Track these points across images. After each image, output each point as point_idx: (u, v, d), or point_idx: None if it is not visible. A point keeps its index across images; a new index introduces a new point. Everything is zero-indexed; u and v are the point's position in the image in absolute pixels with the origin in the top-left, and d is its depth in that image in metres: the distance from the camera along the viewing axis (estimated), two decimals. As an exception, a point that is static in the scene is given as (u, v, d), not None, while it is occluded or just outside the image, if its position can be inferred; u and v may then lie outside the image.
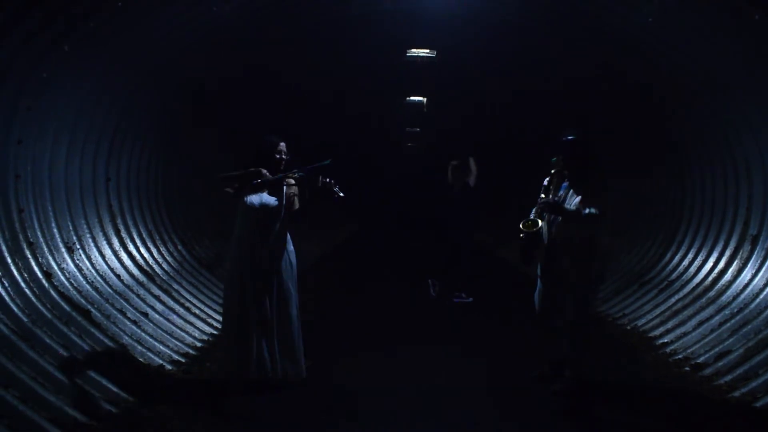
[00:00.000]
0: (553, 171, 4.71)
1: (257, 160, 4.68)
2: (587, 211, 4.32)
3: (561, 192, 4.64)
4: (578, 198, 4.46)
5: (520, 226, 4.61)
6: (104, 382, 4.32)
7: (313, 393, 4.73)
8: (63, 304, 4.71)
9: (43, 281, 4.69)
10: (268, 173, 4.58)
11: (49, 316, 4.47)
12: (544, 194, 4.68)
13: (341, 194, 4.66)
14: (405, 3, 7.39)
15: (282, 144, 4.74)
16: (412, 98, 13.99)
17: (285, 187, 4.69)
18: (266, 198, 4.63)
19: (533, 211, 4.68)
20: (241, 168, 4.66)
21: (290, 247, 4.80)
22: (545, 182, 4.77)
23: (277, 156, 4.70)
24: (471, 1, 7.14)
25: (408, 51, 9.75)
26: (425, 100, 14.15)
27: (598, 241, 4.51)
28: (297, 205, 4.77)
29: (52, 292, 4.70)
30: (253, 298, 4.58)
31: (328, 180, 4.65)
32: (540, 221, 4.60)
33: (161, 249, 6.85)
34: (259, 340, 4.59)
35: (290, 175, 4.66)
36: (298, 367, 4.77)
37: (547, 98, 10.18)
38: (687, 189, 7.17)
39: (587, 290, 4.54)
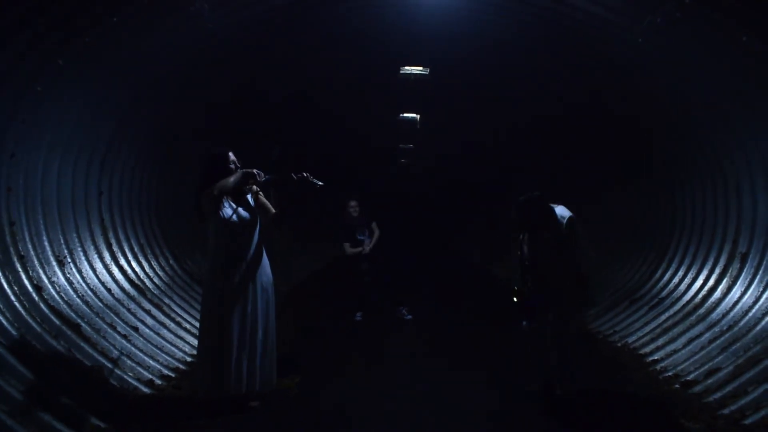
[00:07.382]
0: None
1: (213, 175, 4.56)
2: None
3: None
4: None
5: (513, 297, 4.94)
6: (93, 396, 4.29)
7: (306, 410, 4.71)
8: (53, 317, 4.69)
9: (33, 294, 4.67)
10: (260, 172, 4.60)
11: (39, 329, 4.44)
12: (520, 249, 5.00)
13: (320, 183, 4.74)
14: (400, 20, 7.46)
15: (231, 153, 4.68)
16: (405, 115, 14.07)
17: (250, 196, 4.70)
18: (240, 210, 4.60)
19: (518, 278, 4.98)
20: (198, 187, 4.57)
21: (266, 261, 4.73)
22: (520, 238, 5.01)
23: (232, 166, 4.63)
24: (464, 20, 7.21)
25: (402, 68, 9.82)
26: (418, 117, 14.23)
27: (581, 270, 4.74)
28: (272, 210, 4.78)
29: (42, 306, 4.68)
30: (232, 314, 4.46)
31: (302, 174, 4.69)
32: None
33: (152, 263, 6.82)
34: (239, 357, 4.46)
35: (273, 178, 4.70)
36: (272, 382, 4.71)
37: (539, 117, 10.25)
38: (678, 207, 7.22)
39: (570, 311, 4.79)
